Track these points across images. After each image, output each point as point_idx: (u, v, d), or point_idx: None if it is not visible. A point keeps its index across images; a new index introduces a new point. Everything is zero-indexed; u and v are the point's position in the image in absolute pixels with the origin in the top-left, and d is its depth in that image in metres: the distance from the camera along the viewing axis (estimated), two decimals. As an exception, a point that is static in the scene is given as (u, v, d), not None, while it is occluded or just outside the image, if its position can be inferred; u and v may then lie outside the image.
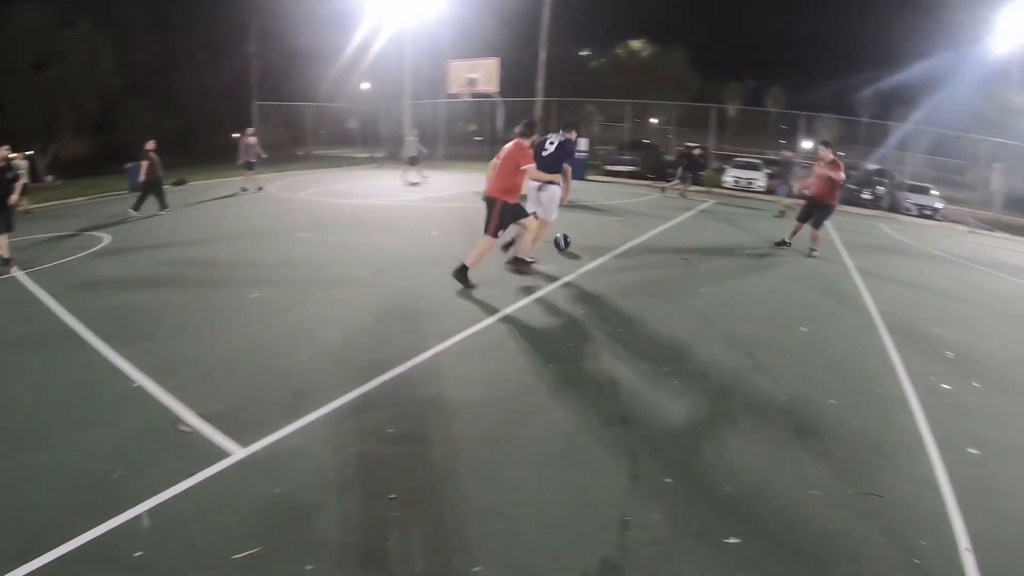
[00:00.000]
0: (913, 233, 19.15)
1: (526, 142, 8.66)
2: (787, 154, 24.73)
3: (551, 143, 10.13)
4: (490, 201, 8.60)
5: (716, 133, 34.16)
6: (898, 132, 38.18)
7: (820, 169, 12.69)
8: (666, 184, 24.33)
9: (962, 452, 5.18)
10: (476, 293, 8.40)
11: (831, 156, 12.58)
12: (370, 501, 3.90)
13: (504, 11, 33.20)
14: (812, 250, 12.70)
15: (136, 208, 15.14)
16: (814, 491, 4.27)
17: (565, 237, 11.25)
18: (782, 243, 13.47)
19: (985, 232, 22.07)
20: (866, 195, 25.04)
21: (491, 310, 7.60)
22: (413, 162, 22.98)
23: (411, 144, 23.08)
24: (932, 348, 7.70)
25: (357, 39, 35.00)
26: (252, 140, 20.04)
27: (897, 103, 67.49)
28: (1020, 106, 31.33)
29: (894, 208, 24.61)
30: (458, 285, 8.50)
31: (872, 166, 29.44)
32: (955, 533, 4.03)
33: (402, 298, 8.15)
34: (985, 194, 30.15)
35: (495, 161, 8.84)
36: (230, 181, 22.45)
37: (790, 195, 19.26)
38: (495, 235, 8.59)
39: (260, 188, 20.45)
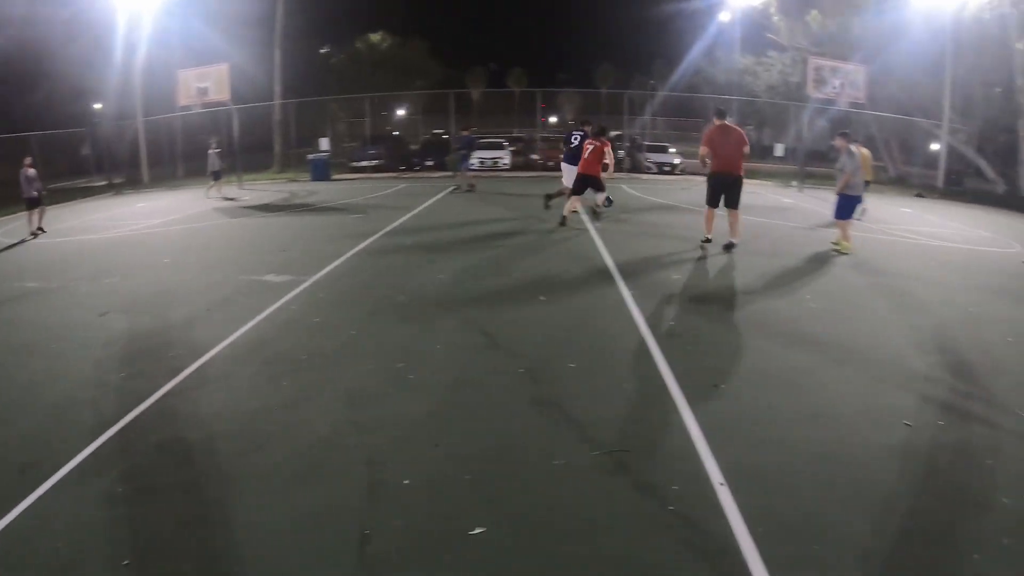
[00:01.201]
0: (653, 189, 20.60)
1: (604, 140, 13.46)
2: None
3: (576, 138, 14.63)
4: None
5: (460, 117, 34.83)
6: (636, 98, 40.80)
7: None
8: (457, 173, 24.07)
9: (706, 388, 5.60)
10: (206, 321, 7.80)
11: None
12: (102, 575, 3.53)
13: (237, 13, 31.69)
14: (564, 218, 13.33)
15: None
16: (558, 461, 4.35)
17: (608, 199, 14.33)
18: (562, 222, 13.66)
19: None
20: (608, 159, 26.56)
21: (218, 337, 7.19)
22: (217, 176, 22.46)
23: (213, 158, 22.51)
24: (671, 295, 8.34)
25: (81, 55, 31.93)
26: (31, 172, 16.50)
27: (636, 71, 72.65)
28: (745, 66, 34.42)
29: (636, 169, 26.33)
30: (182, 316, 8.03)
31: (613, 132, 31.22)
32: (707, 471, 4.25)
33: (127, 340, 7.54)
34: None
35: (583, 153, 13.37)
36: None
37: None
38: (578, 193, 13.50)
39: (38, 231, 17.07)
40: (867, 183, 14.72)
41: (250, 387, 5.89)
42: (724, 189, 11.18)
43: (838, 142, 12.06)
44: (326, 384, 5.85)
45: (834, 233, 12.18)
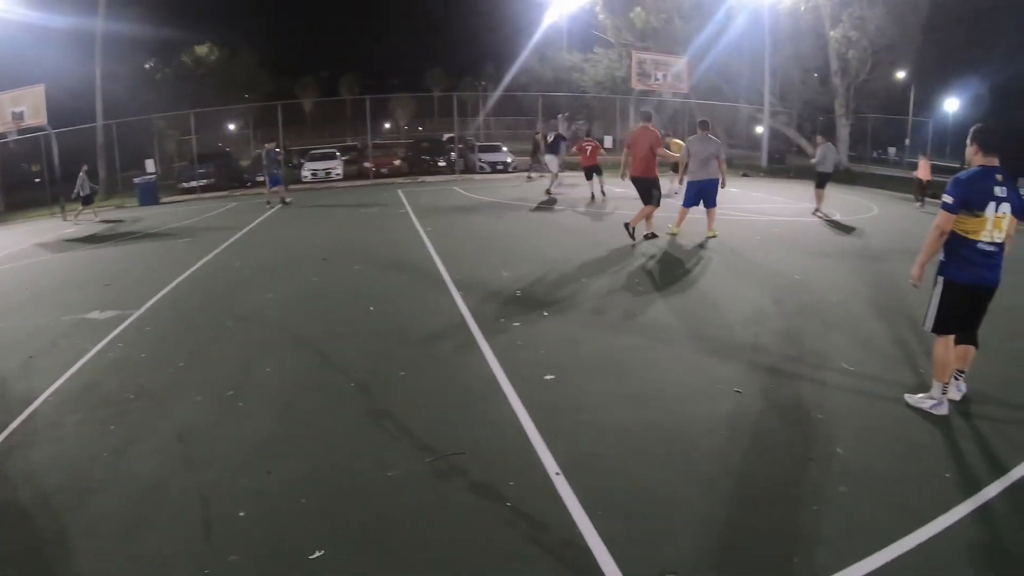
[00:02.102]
0: (484, 189, 20.55)
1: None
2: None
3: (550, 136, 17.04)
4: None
5: (293, 129, 33.67)
6: (468, 100, 41.01)
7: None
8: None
9: (537, 381, 5.59)
10: (29, 369, 6.78)
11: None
12: None
13: (54, 29, 29.08)
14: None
15: None
16: (393, 472, 4.26)
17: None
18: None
19: (544, 175, 24.57)
20: (442, 163, 26.49)
21: (43, 386, 6.23)
22: (87, 201, 21.12)
23: (82, 180, 21.12)
24: (501, 292, 8.30)
25: None
26: None
27: (467, 73, 73.36)
28: (571, 64, 35.24)
29: (469, 169, 26.36)
30: (2, 367, 6.94)
31: (446, 135, 31.17)
32: (543, 462, 4.25)
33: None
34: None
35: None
36: None
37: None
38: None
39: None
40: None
41: (78, 435, 5.33)
42: (637, 189, 11.73)
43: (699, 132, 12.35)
44: (156, 423, 5.37)
45: (673, 220, 12.49)
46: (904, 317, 7.52)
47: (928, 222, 5.26)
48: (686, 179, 12.26)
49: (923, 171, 19.63)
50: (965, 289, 4.88)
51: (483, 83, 60.59)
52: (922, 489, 4.08)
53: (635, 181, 11.66)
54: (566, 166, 21.51)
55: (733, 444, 4.55)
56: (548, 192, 19.29)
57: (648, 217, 11.73)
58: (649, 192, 11.53)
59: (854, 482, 4.11)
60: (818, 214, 15.68)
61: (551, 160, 21.09)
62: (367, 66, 68.52)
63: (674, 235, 12.13)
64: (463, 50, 60.32)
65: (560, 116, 27.30)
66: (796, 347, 6.57)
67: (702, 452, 4.43)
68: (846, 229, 14.04)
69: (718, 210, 12.22)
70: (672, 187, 15.97)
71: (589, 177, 18.50)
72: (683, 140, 16.40)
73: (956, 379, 5.26)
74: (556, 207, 16.51)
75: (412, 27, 72.27)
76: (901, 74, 37.06)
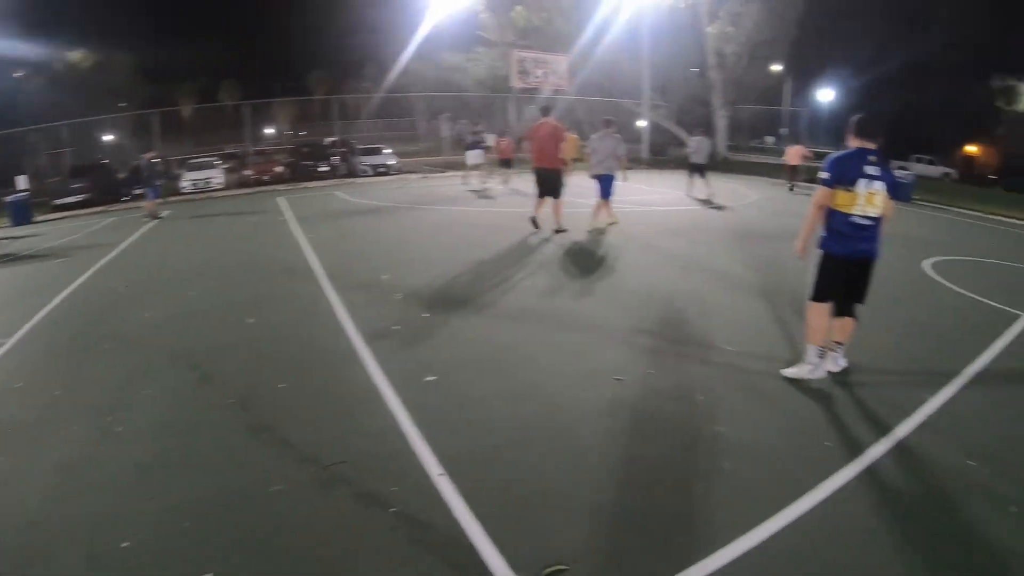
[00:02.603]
0: (368, 193, 20.24)
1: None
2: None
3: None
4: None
5: (172, 138, 32.37)
6: (350, 102, 40.57)
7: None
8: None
9: (419, 383, 5.51)
10: None
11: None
12: None
13: None
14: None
15: None
16: (276, 487, 4.10)
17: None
18: None
19: (436, 175, 25.02)
20: (324, 168, 26.01)
21: None
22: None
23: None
24: (381, 297, 8.12)
25: None
26: None
27: (349, 76, 72.44)
28: (453, 64, 35.19)
29: (352, 173, 25.96)
30: None
31: (328, 139, 30.60)
32: (425, 465, 4.22)
33: None
34: (436, 142, 33.91)
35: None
36: None
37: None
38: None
39: None
40: (576, 162, 16.06)
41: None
42: (541, 181, 11.95)
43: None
44: (32, 457, 4.98)
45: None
46: (782, 296, 7.90)
47: (800, 204, 5.43)
48: (589, 174, 12.42)
49: (793, 157, 21.43)
50: (840, 260, 5.29)
51: (366, 84, 59.94)
52: (804, 459, 4.27)
53: (538, 172, 11.92)
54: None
55: (616, 431, 4.59)
56: (481, 185, 20.54)
57: (553, 211, 11.94)
58: (554, 185, 11.83)
59: (737, 458, 4.24)
60: (692, 196, 17.31)
61: (472, 155, 21.71)
62: (248, 70, 66.66)
63: (613, 224, 12.35)
64: (345, 51, 59.33)
65: (442, 116, 27.28)
66: (678, 331, 6.75)
67: (585, 442, 4.46)
68: (725, 215, 14.66)
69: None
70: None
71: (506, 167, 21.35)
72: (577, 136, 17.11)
73: (835, 351, 5.58)
74: (438, 206, 16.33)
75: (293, 28, 70.67)
76: (777, 67, 38.64)
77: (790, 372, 5.51)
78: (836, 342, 5.56)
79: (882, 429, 4.69)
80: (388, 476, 4.11)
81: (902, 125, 57.88)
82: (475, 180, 21.33)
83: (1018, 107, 63.16)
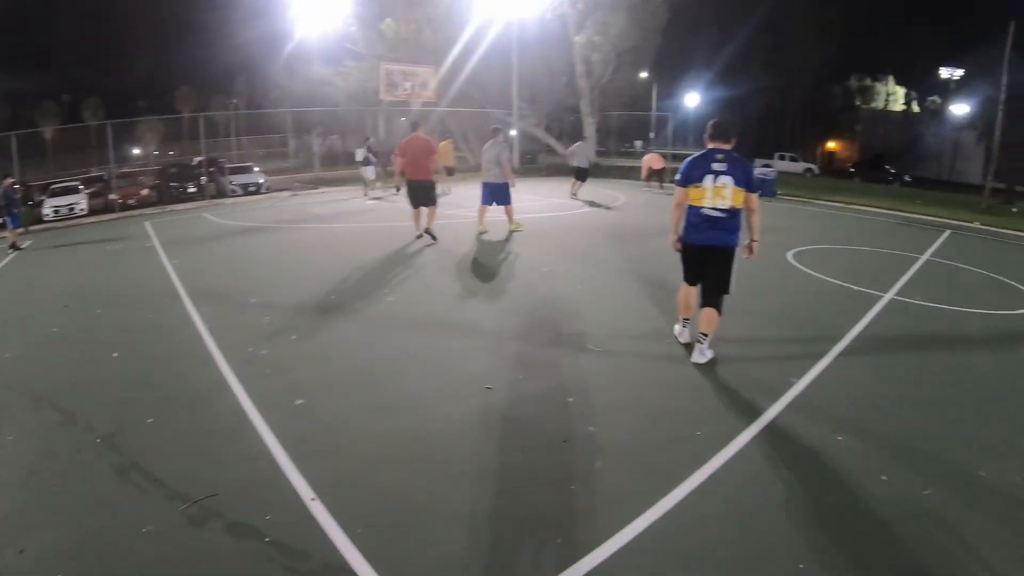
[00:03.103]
0: (237, 213, 19.92)
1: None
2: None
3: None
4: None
5: (33, 162, 30.91)
6: (220, 120, 39.77)
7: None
8: None
9: (288, 407, 5.46)
10: None
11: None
12: None
13: None
14: None
15: None
16: (148, 528, 3.97)
17: None
18: None
19: (308, 192, 25.01)
20: (192, 188, 25.41)
21: None
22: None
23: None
24: (249, 321, 7.98)
25: None
26: None
27: (217, 92, 70.66)
28: (322, 78, 34.94)
29: (221, 194, 25.48)
30: None
31: (196, 158, 29.90)
32: (297, 490, 4.19)
33: None
34: (307, 158, 33.71)
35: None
36: None
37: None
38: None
39: None
40: (450, 171, 17.71)
41: None
42: (415, 192, 12.30)
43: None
44: None
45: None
46: (653, 290, 8.40)
47: (665, 203, 5.90)
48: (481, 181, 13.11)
49: (654, 161, 23.77)
50: (694, 247, 6.12)
51: (234, 100, 58.72)
52: (676, 450, 4.51)
53: (411, 185, 12.26)
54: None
55: (487, 439, 4.70)
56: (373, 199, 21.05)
57: (427, 218, 12.39)
58: (427, 195, 12.21)
59: (609, 456, 4.42)
60: (575, 199, 18.54)
61: (366, 170, 22.35)
62: (113, 88, 64.36)
63: (482, 234, 12.83)
64: (212, 67, 57.99)
65: (313, 132, 27.15)
66: (547, 334, 6.98)
67: (457, 452, 4.55)
68: (596, 217, 15.44)
69: (468, 213, 12.93)
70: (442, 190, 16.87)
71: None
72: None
73: (699, 342, 6.14)
74: (309, 224, 16.20)
75: (159, 44, 68.53)
76: (644, 74, 40.03)
77: (675, 329, 6.76)
78: (701, 333, 6.09)
79: (753, 414, 5.02)
80: (261, 505, 4.07)
81: (766, 125, 61.12)
82: (370, 194, 21.82)
83: (874, 105, 67.50)
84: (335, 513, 3.89)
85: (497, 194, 12.83)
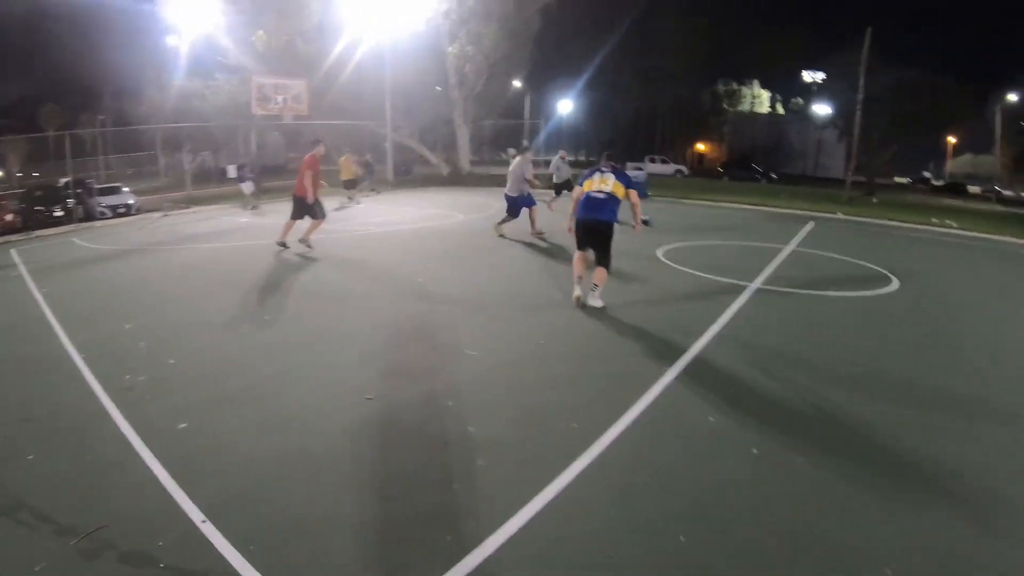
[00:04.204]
0: (108, 236, 19.57)
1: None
2: None
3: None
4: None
5: None
6: (87, 137, 38.59)
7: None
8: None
9: (171, 431, 5.46)
10: None
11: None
12: None
13: None
14: None
15: None
16: (39, 566, 3.89)
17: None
18: None
19: (180, 211, 24.53)
20: (59, 212, 24.69)
21: None
22: None
23: None
24: (124, 349, 7.83)
25: None
26: None
27: (84, 108, 67.74)
28: (192, 91, 34.32)
29: (90, 216, 24.86)
30: None
31: (63, 179, 29.05)
32: (187, 514, 4.21)
33: None
34: (178, 176, 33.23)
35: None
36: None
37: None
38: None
39: None
40: (351, 184, 21.03)
41: None
42: (297, 206, 13.36)
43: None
44: None
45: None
46: (529, 293, 9.34)
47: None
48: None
49: (344, 169, 24.30)
50: (583, 223, 8.59)
51: (101, 117, 56.60)
52: (554, 443, 4.84)
53: (294, 198, 13.30)
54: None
55: (371, 448, 4.89)
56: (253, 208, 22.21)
57: (301, 230, 13.28)
58: (312, 209, 13.12)
59: (489, 454, 4.70)
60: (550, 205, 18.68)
61: (244, 186, 23.42)
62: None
63: (541, 234, 14.13)
64: (79, 82, 55.81)
65: (184, 148, 26.88)
66: (425, 342, 7.34)
67: (341, 463, 4.71)
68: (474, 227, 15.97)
69: (344, 228, 13.94)
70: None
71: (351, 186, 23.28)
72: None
73: (592, 291, 8.47)
74: (183, 244, 15.70)
75: (20, 57, 65.26)
76: (517, 83, 41.01)
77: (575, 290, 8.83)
78: (594, 283, 8.41)
79: (626, 403, 5.42)
80: (153, 532, 4.05)
81: (637, 129, 63.41)
82: (249, 209, 22.18)
83: (740, 107, 70.82)
84: (227, 533, 3.94)
85: (524, 201, 14.12)
